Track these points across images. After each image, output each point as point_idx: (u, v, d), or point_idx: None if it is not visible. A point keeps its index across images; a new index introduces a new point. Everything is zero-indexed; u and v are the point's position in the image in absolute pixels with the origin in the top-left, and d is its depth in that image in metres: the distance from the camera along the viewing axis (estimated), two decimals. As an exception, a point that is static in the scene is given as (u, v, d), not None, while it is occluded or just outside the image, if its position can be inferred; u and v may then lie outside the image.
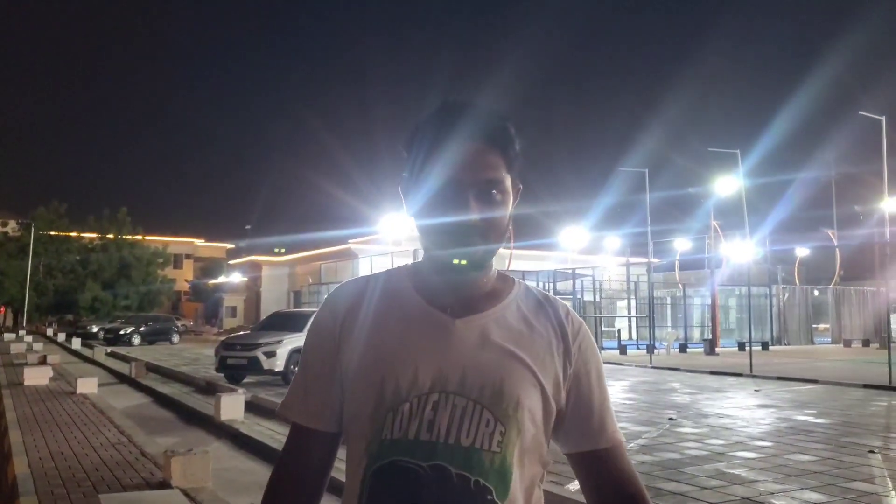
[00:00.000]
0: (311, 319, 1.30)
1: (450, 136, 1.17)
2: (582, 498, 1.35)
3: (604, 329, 27.72)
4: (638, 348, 28.36)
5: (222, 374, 16.01)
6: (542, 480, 1.22)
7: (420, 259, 1.28)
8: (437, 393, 1.13)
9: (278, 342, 15.45)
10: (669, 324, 35.15)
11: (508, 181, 1.21)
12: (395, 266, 1.32)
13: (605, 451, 1.23)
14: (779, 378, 17.00)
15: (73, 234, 57.44)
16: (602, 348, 25.53)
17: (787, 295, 34.78)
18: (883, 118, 29.00)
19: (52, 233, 55.55)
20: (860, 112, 28.68)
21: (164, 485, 6.00)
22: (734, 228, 33.62)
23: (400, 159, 1.27)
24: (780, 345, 32.55)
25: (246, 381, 15.62)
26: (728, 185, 30.63)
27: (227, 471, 7.22)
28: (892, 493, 6.27)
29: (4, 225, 57.68)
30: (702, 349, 28.03)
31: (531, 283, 1.32)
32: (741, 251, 31.12)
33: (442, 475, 1.10)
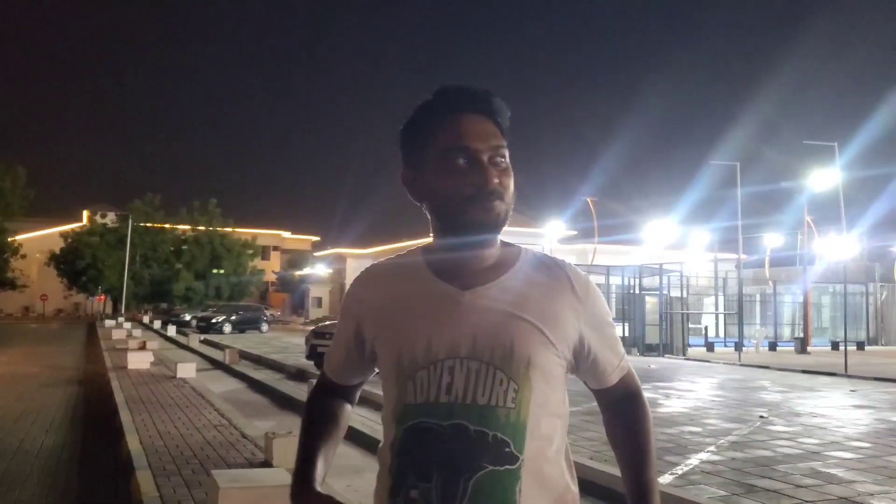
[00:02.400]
0: (343, 298, 1.48)
1: (455, 112, 1.30)
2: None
3: (690, 326, 27.12)
4: (725, 346, 27.68)
5: (312, 362, 16.43)
6: (565, 431, 1.33)
7: (431, 240, 1.39)
8: (451, 359, 1.25)
9: (366, 332, 15.74)
10: (758, 321, 34.18)
11: (508, 154, 1.32)
12: (409, 250, 1.45)
13: (616, 382, 1.42)
14: (876, 378, 16.34)
15: (168, 225, 59.87)
16: (688, 345, 25.07)
17: (885, 293, 33.29)
18: None
19: (148, 224, 58.04)
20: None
21: (266, 464, 6.30)
22: (829, 224, 32.39)
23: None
24: (877, 345, 31.23)
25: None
26: (824, 178, 29.48)
27: (323, 454, 7.49)
28: None
29: (104, 216, 60.69)
30: (792, 348, 27.21)
31: (536, 249, 1.43)
32: (837, 247, 29.96)
33: (462, 432, 1.21)
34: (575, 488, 1.32)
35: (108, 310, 61.11)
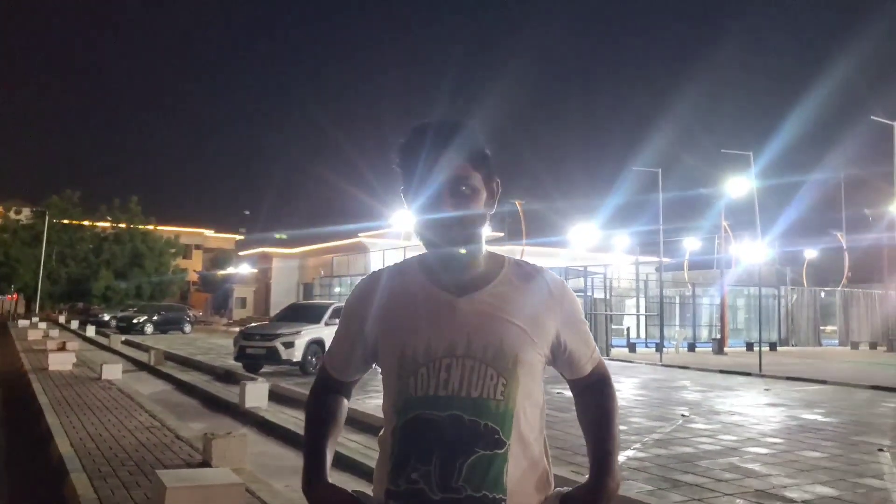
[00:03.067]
0: (347, 300, 1.66)
1: (424, 150, 1.47)
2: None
3: (613, 327, 27.88)
4: (647, 346, 28.55)
5: (241, 363, 16.20)
6: (543, 419, 1.52)
7: (425, 251, 1.58)
8: (448, 357, 1.42)
9: (297, 333, 15.65)
10: (678, 323, 35.35)
11: (477, 179, 1.51)
12: (406, 258, 1.64)
13: (590, 372, 1.62)
14: (788, 378, 17.19)
15: (87, 222, 57.81)
16: (611, 346, 25.77)
17: (795, 296, 34.90)
18: (894, 123, 29.25)
19: (66, 221, 55.93)
20: (872, 117, 28.93)
21: (205, 465, 6.29)
22: (744, 229, 33.84)
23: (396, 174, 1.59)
24: (788, 346, 32.70)
25: (263, 370, 15.80)
26: (740, 186, 30.78)
27: (260, 455, 7.49)
28: (901, 488, 6.51)
29: (18, 213, 58.14)
30: (710, 348, 28.25)
31: (519, 259, 1.63)
32: (751, 252, 31.32)
33: (458, 422, 1.39)
34: (550, 468, 1.52)
35: (21, 309, 58.65)
